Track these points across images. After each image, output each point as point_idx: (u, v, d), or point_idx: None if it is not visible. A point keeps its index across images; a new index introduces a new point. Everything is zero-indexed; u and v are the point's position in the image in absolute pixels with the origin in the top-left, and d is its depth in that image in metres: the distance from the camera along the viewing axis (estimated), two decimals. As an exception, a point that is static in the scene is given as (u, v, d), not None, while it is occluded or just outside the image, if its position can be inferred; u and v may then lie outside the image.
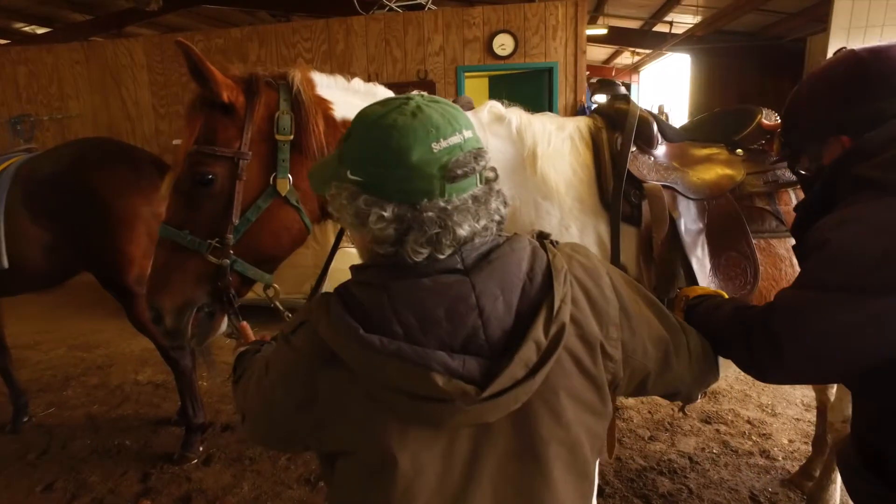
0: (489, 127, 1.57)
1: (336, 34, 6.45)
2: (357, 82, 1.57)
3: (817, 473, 2.43)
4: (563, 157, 1.57)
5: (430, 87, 6.40)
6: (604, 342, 0.86)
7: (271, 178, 1.43)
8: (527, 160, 1.53)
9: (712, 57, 11.03)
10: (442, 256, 0.79)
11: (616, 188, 1.52)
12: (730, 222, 1.57)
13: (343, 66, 6.48)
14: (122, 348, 4.55)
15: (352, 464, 0.83)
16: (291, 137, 1.43)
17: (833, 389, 2.34)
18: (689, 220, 1.54)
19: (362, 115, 0.84)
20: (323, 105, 1.49)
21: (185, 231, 1.40)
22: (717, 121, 1.89)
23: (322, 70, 5.96)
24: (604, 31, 10.28)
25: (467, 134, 0.80)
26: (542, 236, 0.92)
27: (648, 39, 11.41)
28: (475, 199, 0.80)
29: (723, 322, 1.13)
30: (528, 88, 6.57)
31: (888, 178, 0.99)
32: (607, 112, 1.67)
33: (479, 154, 0.80)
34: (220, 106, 1.41)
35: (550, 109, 6.33)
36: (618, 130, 1.60)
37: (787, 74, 9.99)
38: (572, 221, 1.53)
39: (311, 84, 1.50)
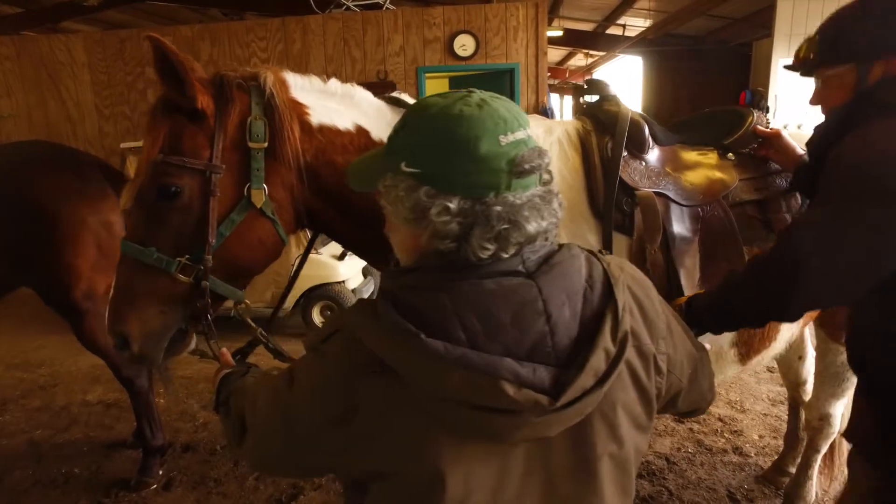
0: None
1: (292, 33, 6.27)
2: (334, 83, 1.46)
3: (791, 469, 2.47)
4: (552, 162, 1.50)
5: (390, 88, 6.30)
6: (656, 355, 0.84)
7: (245, 189, 1.31)
8: None
9: (663, 59, 11.35)
10: (506, 255, 0.74)
11: (608, 196, 1.47)
12: (723, 231, 1.54)
13: (300, 67, 6.28)
14: (67, 366, 4.23)
15: (391, 487, 0.76)
16: (266, 145, 1.31)
17: (808, 387, 2.37)
18: (681, 229, 1.50)
19: (421, 106, 0.79)
20: (298, 109, 1.37)
21: (151, 248, 1.27)
22: (706, 122, 1.84)
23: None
24: (559, 33, 10.41)
25: (528, 131, 0.77)
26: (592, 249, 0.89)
27: (602, 41, 11.63)
28: (540, 197, 0.76)
29: (738, 278, 1.17)
30: (489, 89, 6.53)
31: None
32: (596, 114, 1.62)
33: (541, 152, 0.76)
34: (188, 111, 1.28)
35: (512, 110, 6.34)
36: (607, 134, 1.55)
37: (734, 76, 10.37)
38: (562, 229, 1.46)
39: (284, 86, 1.38)
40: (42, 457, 3.00)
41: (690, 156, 1.67)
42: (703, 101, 11.68)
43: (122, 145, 5.16)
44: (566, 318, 0.74)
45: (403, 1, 7.49)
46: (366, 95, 1.49)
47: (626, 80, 14.65)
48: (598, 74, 16.14)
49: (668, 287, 1.47)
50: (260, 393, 0.92)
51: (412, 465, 0.73)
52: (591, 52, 13.31)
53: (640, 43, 10.82)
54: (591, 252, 0.85)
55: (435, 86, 6.84)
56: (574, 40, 11.62)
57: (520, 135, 0.75)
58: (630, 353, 0.79)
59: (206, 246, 1.27)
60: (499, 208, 0.72)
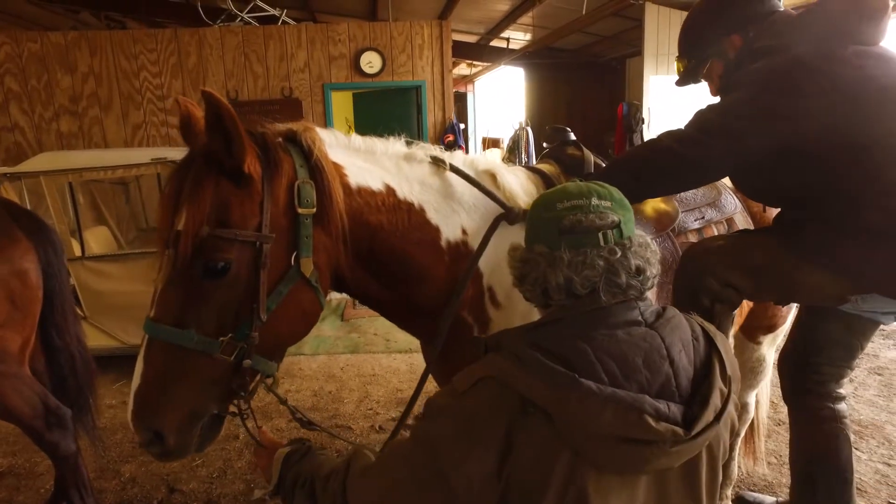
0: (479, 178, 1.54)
1: (187, 46, 5.89)
2: (356, 138, 1.41)
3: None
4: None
5: (295, 104, 6.16)
6: (736, 397, 0.97)
7: (292, 258, 1.21)
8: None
9: (543, 71, 12.14)
10: (550, 303, 0.92)
11: None
12: (672, 260, 1.74)
13: (196, 81, 5.95)
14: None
15: None
16: (314, 210, 1.23)
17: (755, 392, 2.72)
18: None
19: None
20: (339, 171, 1.31)
21: (190, 331, 1.14)
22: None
23: (173, 85, 5.58)
24: (447, 45, 10.68)
25: (596, 201, 0.93)
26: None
27: (486, 53, 12.15)
28: (598, 256, 0.90)
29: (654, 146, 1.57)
30: (395, 105, 6.65)
31: (776, 43, 1.50)
32: (561, 158, 1.76)
33: (601, 217, 0.92)
34: (233, 175, 1.16)
35: (419, 126, 6.49)
36: (573, 176, 1.67)
37: (607, 88, 11.40)
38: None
39: (323, 145, 1.30)
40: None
41: None
42: (579, 110, 12.67)
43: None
44: (684, 362, 0.87)
45: (304, 16, 7.34)
46: (385, 149, 1.44)
47: (506, 88, 15.41)
48: (479, 83, 16.76)
49: None
50: (376, 467, 0.95)
51: (558, 499, 0.81)
52: (474, 62, 13.83)
53: (522, 55, 11.47)
54: (685, 312, 0.99)
55: (339, 100, 6.78)
56: (459, 52, 12.02)
57: (578, 202, 0.91)
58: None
59: (255, 322, 1.17)
60: (539, 258, 0.91)
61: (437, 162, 1.47)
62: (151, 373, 1.16)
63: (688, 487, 0.91)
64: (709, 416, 0.84)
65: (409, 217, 1.38)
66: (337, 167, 1.31)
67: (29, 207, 3.88)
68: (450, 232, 1.43)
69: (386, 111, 6.69)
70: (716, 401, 0.86)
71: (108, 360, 4.16)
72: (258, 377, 1.27)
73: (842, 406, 1.79)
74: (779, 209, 1.72)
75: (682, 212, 1.90)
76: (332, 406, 3.55)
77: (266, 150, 1.21)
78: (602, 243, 0.89)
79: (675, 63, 1.83)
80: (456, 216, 1.45)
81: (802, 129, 1.43)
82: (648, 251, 0.93)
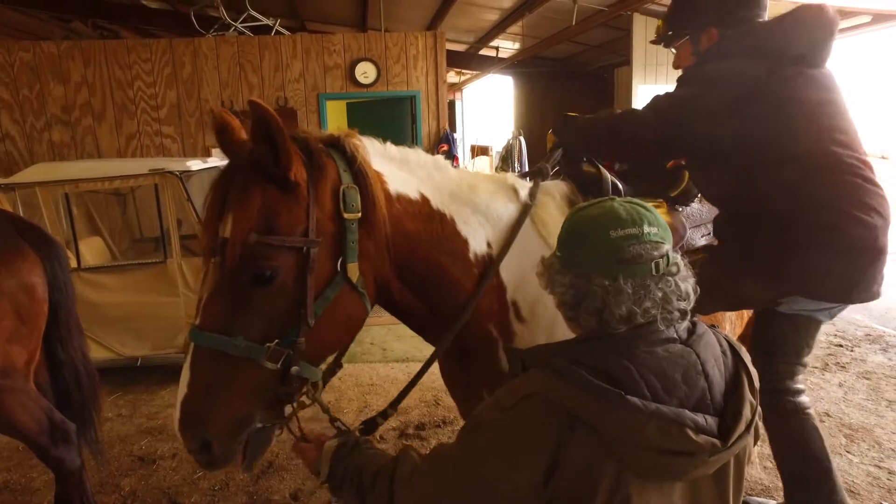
0: (499, 194, 1.58)
1: (181, 56, 5.90)
2: (391, 147, 1.43)
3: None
4: (558, 224, 1.64)
5: (290, 114, 6.17)
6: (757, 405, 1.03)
7: (339, 264, 1.22)
8: (536, 226, 1.56)
9: (532, 79, 12.25)
10: (611, 329, 0.93)
11: None
12: None
13: (191, 91, 5.95)
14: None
15: None
16: (360, 215, 1.24)
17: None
18: None
19: (572, 211, 1.07)
20: (381, 178, 1.33)
21: (239, 337, 1.14)
22: (639, 175, 2.13)
23: (167, 95, 5.61)
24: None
25: (651, 229, 0.96)
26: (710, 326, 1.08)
27: (475, 62, 12.25)
28: (653, 283, 0.93)
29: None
30: (388, 115, 6.69)
31: (737, 46, 1.70)
32: (577, 177, 1.79)
33: (656, 247, 0.95)
34: (279, 182, 1.16)
35: (414, 136, 6.54)
36: (589, 194, 1.70)
37: (594, 96, 11.53)
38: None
39: (365, 151, 1.32)
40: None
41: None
42: (568, 118, 12.77)
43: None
44: (717, 377, 0.93)
45: (297, 27, 7.37)
46: (417, 159, 1.45)
47: (495, 95, 15.55)
48: (468, 91, 16.88)
49: None
50: (423, 474, 0.99)
51: None
52: (463, 70, 13.92)
53: (511, 64, 11.58)
54: (711, 326, 1.04)
55: (333, 109, 6.81)
56: (449, 60, 12.07)
57: (632, 230, 0.93)
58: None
59: (302, 328, 1.17)
60: (598, 289, 0.92)
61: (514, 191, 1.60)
62: (198, 381, 1.16)
63: (717, 491, 0.96)
64: (741, 427, 0.90)
65: (443, 227, 1.41)
66: (378, 174, 1.32)
67: (23, 218, 3.87)
68: (477, 245, 1.46)
69: (380, 121, 6.73)
70: (747, 413, 0.92)
71: (103, 373, 4.11)
72: (305, 384, 1.27)
73: (803, 398, 1.90)
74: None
75: (689, 228, 1.94)
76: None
77: (310, 155, 1.22)
78: (654, 272, 0.93)
79: (658, 25, 2.01)
80: (482, 229, 1.48)
81: (739, 135, 1.64)
82: (690, 273, 0.98)
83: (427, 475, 1.00)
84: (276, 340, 1.16)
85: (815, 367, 3.98)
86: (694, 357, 0.92)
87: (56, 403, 2.46)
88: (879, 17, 6.03)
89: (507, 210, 1.54)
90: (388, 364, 4.35)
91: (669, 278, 0.94)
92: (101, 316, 3.94)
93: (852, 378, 3.81)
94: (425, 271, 1.38)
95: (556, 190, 1.73)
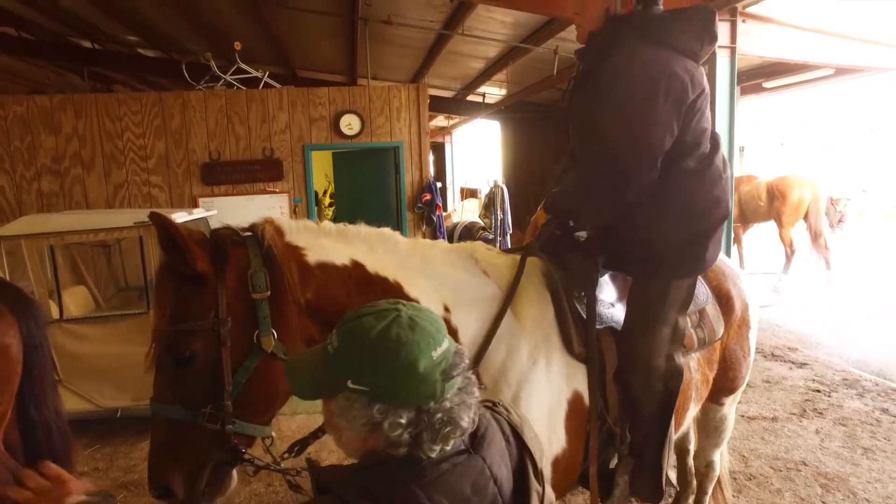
0: (457, 263, 1.67)
1: (170, 108, 6.05)
2: (327, 224, 1.59)
3: (686, 508, 2.93)
4: (530, 297, 1.68)
5: (276, 164, 6.31)
6: (549, 488, 1.05)
7: (255, 337, 1.40)
8: (499, 297, 1.63)
9: (518, 124, 12.55)
10: (448, 448, 0.89)
11: (591, 348, 1.67)
12: None
13: (179, 142, 6.09)
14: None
15: None
16: (269, 293, 1.41)
17: (692, 436, 2.86)
18: None
19: (358, 329, 0.88)
20: (295, 253, 1.48)
21: (177, 406, 1.38)
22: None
23: (156, 146, 5.73)
24: (425, 100, 11.05)
25: (447, 337, 0.91)
26: (489, 404, 1.08)
27: (462, 107, 12.57)
28: (461, 389, 0.90)
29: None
30: (373, 165, 6.84)
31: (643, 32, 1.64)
32: (549, 251, 1.79)
33: (459, 352, 0.92)
34: (189, 277, 1.37)
35: (397, 185, 6.67)
36: (562, 270, 1.75)
37: (579, 141, 11.80)
38: (539, 356, 1.63)
39: (280, 232, 1.49)
40: None
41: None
42: (551, 160, 13.07)
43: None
44: (505, 474, 0.94)
45: (285, 80, 7.57)
46: (358, 231, 1.60)
47: (482, 139, 15.88)
48: (457, 134, 17.25)
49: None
50: None
51: None
52: (452, 115, 14.27)
53: (497, 109, 11.89)
54: (487, 407, 1.04)
55: (318, 159, 6.97)
56: (436, 106, 12.42)
57: (445, 344, 0.88)
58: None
59: (225, 394, 1.37)
60: (439, 414, 0.86)
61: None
62: (156, 441, 1.41)
63: None
64: None
65: (385, 291, 1.51)
66: (295, 249, 1.49)
67: (7, 270, 3.90)
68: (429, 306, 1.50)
69: (365, 170, 6.89)
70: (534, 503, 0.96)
71: (82, 424, 4.10)
72: (253, 439, 1.48)
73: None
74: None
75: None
76: (310, 469, 3.54)
77: (217, 248, 1.41)
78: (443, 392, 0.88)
79: None
80: (436, 293, 1.58)
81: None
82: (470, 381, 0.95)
83: None
84: (210, 406, 1.38)
85: (794, 414, 4.02)
86: (481, 464, 0.91)
87: (25, 463, 2.45)
88: (841, 71, 6.35)
89: (466, 274, 1.67)
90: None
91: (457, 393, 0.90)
92: (83, 367, 3.94)
93: (829, 425, 3.85)
94: None
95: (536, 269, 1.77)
